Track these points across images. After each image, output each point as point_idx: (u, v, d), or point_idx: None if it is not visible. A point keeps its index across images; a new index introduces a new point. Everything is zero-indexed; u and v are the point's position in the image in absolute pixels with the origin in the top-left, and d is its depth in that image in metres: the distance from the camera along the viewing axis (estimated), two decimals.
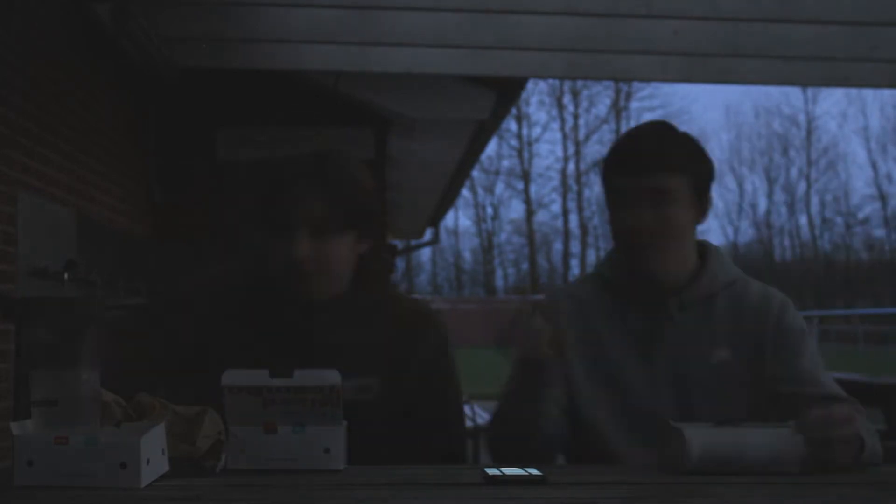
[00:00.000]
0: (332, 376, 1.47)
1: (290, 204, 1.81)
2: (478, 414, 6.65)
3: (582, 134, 46.02)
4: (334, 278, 1.88)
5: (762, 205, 53.27)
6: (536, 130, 62.20)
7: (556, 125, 52.33)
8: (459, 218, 50.77)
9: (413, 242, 17.81)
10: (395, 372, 1.91)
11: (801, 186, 46.23)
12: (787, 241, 46.68)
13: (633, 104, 45.90)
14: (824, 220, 46.23)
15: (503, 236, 49.17)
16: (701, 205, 1.94)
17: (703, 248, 2.02)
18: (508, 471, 1.44)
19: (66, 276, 4.28)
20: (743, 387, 1.92)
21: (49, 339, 1.40)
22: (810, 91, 44.91)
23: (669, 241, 1.91)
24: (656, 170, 1.88)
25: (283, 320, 1.88)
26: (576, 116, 45.91)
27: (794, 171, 46.65)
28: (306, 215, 1.81)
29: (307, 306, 1.87)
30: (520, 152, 46.15)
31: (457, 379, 2.03)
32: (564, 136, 45.95)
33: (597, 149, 46.44)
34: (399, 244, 16.07)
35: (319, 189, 1.82)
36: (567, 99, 45.48)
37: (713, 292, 1.96)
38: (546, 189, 54.12)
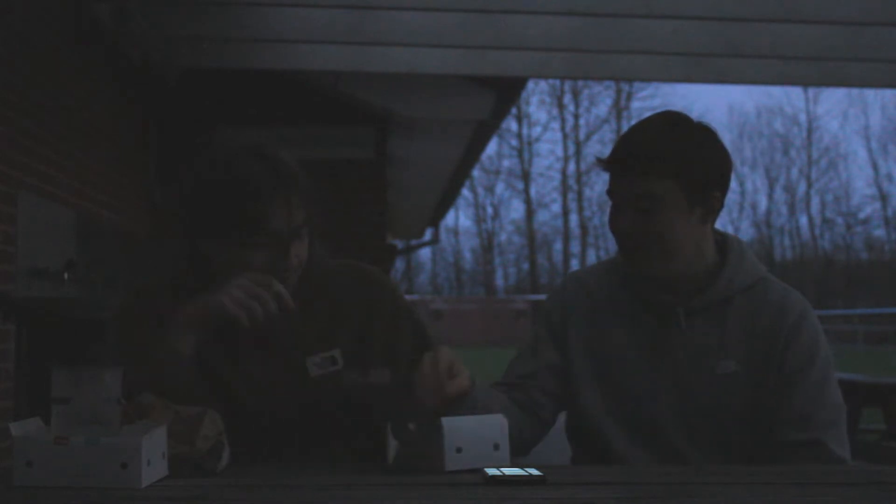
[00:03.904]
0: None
1: (270, 216, 1.72)
2: None
3: (582, 134, 46.09)
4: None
5: (762, 204, 53.25)
6: (536, 130, 62.25)
7: (556, 125, 52.42)
8: (459, 218, 50.84)
9: (413, 242, 17.83)
10: (356, 338, 1.88)
11: (802, 186, 46.29)
12: (787, 241, 46.74)
13: (634, 104, 45.97)
14: (825, 220, 46.27)
15: (503, 236, 49.23)
16: (704, 205, 1.85)
17: (725, 245, 1.95)
18: (508, 471, 1.44)
19: (66, 276, 4.28)
20: (746, 399, 1.88)
21: (65, 339, 1.39)
22: (811, 91, 45.00)
23: (658, 246, 1.85)
24: (641, 175, 1.81)
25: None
26: (576, 116, 45.99)
27: (794, 171, 46.70)
28: (285, 225, 1.75)
29: None
30: (520, 152, 46.19)
31: (423, 324, 1.99)
32: (565, 136, 46.01)
33: (597, 148, 46.46)
34: (399, 244, 16.07)
35: (295, 191, 1.75)
36: (567, 99, 45.57)
37: (728, 296, 1.90)
38: (546, 189, 54.18)
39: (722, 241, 1.96)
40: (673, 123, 1.88)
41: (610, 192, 1.88)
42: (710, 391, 1.88)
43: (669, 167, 1.81)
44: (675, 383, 1.89)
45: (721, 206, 1.89)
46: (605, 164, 1.87)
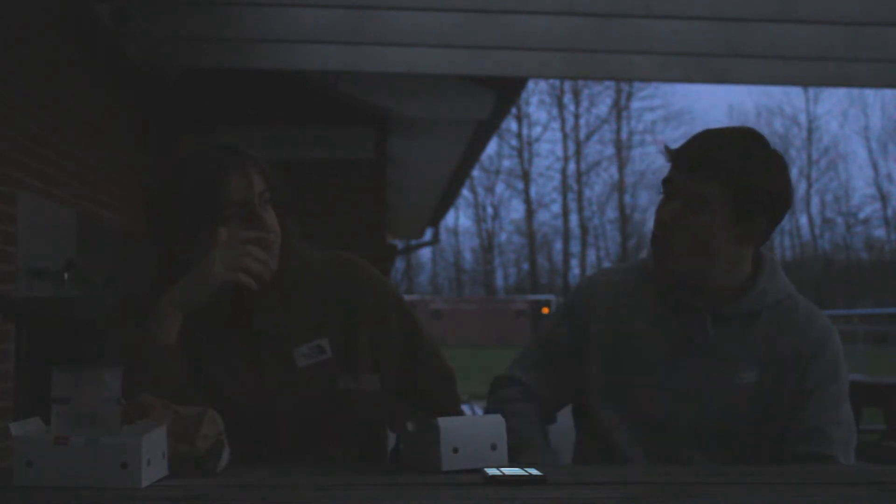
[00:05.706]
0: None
1: (231, 186, 1.76)
2: (477, 414, 6.63)
3: (582, 134, 46.08)
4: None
5: None
6: (536, 130, 62.29)
7: (556, 125, 52.37)
8: (459, 218, 50.84)
9: (413, 242, 17.83)
10: (342, 328, 1.88)
11: (802, 186, 46.28)
12: (787, 241, 46.75)
13: (634, 104, 46.01)
14: (825, 220, 46.29)
15: (503, 236, 49.23)
16: (746, 226, 1.86)
17: (760, 261, 1.96)
18: (508, 471, 1.44)
19: (65, 276, 4.28)
20: (760, 410, 1.89)
21: (65, 339, 1.39)
22: (811, 91, 45.00)
23: (688, 246, 1.86)
24: (698, 174, 1.83)
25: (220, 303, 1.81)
26: (576, 116, 45.97)
27: (794, 171, 46.71)
28: (248, 192, 1.78)
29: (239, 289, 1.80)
30: (520, 152, 46.18)
31: (413, 316, 1.99)
32: (565, 136, 46.00)
33: (597, 148, 46.53)
34: (399, 244, 16.07)
35: (251, 164, 1.80)
36: (567, 99, 45.56)
37: (757, 310, 1.92)
38: (546, 189, 54.17)
39: (757, 256, 1.97)
40: (748, 139, 1.88)
41: (665, 182, 1.91)
42: (727, 398, 1.89)
43: (724, 176, 1.82)
44: (693, 387, 1.90)
45: (764, 234, 1.90)
46: (669, 153, 1.90)
